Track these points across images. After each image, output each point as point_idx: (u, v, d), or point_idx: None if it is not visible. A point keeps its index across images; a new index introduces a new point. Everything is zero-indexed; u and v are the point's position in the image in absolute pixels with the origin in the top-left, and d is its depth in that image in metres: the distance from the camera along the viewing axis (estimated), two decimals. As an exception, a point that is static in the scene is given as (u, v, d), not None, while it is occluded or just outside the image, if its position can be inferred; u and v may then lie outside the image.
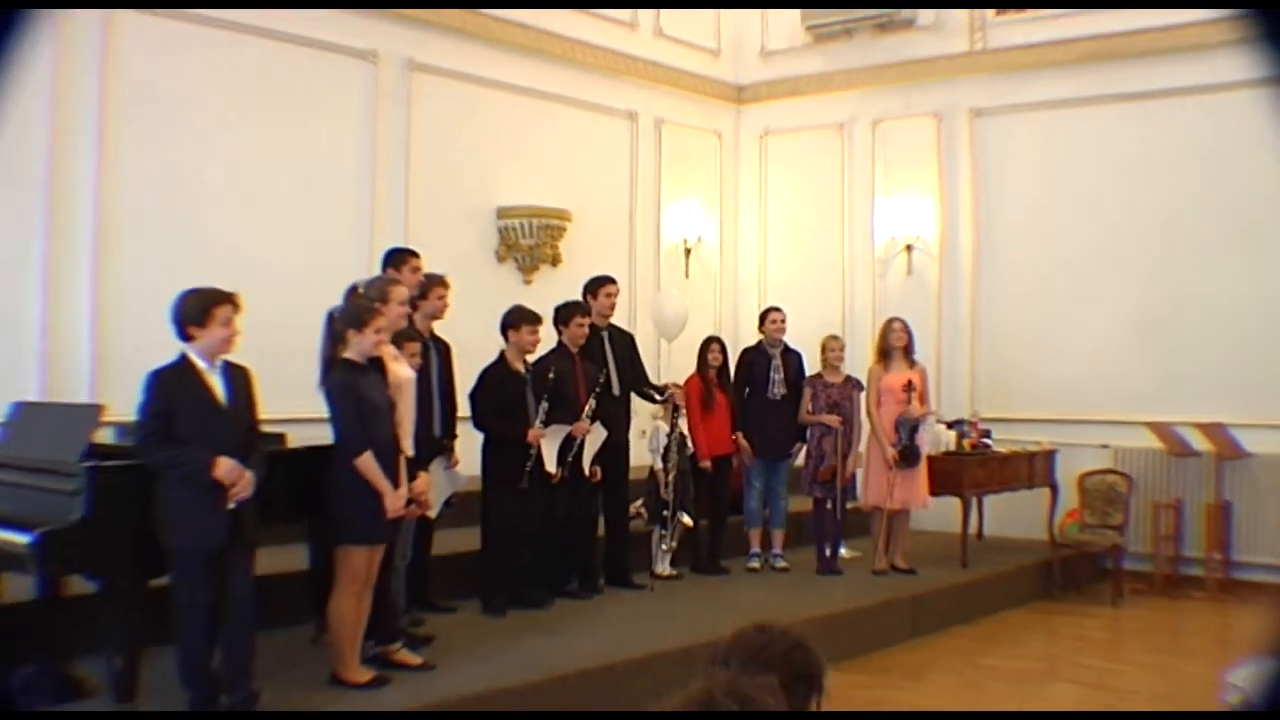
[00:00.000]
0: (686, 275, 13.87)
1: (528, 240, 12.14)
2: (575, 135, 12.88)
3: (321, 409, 6.92)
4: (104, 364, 9.41)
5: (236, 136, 10.23)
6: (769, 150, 14.56)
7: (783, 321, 10.87)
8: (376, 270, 9.90)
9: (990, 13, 13.11)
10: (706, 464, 10.38)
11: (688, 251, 13.96)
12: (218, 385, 6.04)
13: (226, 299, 6.07)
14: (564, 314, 9.33)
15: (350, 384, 6.66)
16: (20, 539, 5.81)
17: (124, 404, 6.97)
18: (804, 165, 14.32)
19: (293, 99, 10.63)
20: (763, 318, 11.02)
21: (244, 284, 6.35)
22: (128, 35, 9.59)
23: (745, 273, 14.65)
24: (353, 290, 7.72)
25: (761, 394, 10.71)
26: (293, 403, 7.38)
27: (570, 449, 9.00)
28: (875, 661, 9.10)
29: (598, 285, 9.94)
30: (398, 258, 8.40)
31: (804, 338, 11.05)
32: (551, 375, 8.80)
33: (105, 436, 6.74)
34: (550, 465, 8.76)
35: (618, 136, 13.39)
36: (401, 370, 7.25)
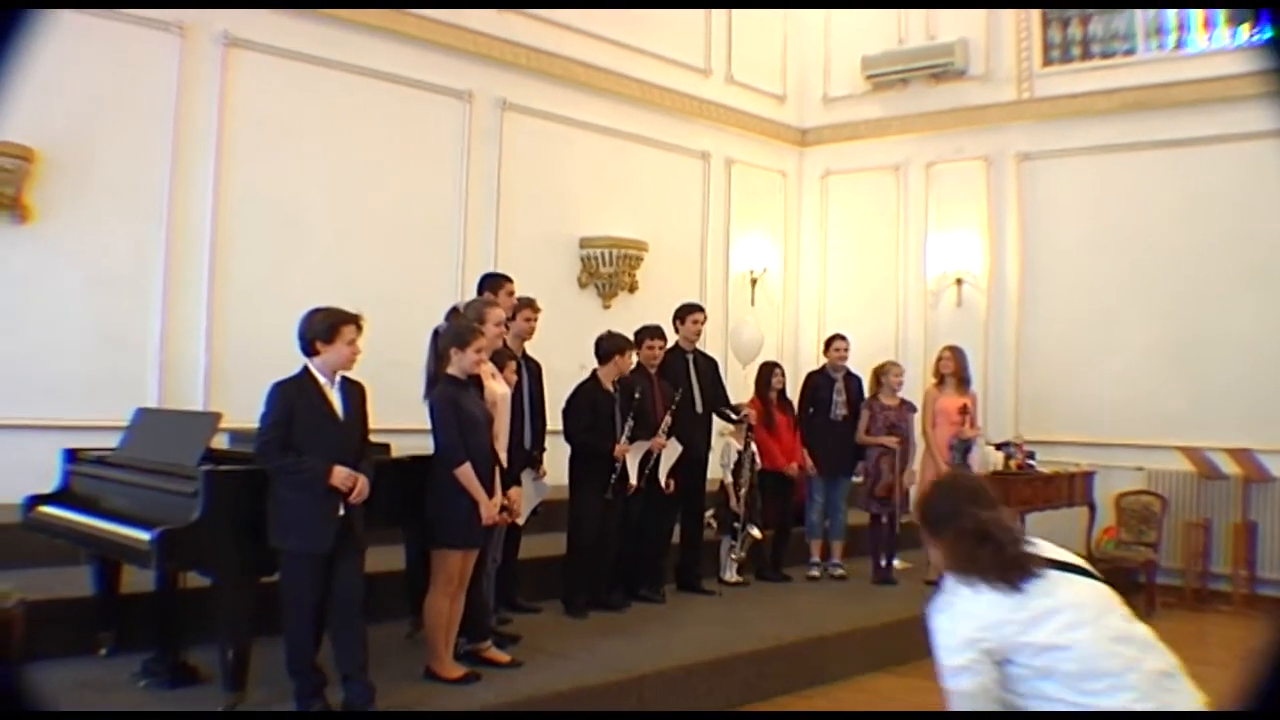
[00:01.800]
0: (752, 303, 13.61)
1: (608, 268, 11.94)
2: (652, 172, 12.70)
3: (415, 420, 6.83)
4: (216, 374, 9.36)
5: (341, 168, 10.16)
6: (829, 189, 14.31)
7: (846, 349, 10.69)
8: (469, 294, 9.78)
9: (1037, 63, 12.83)
10: (792, 467, 10.24)
11: (753, 281, 13.71)
12: (335, 398, 5.84)
13: (353, 319, 5.89)
14: (639, 337, 9.09)
15: (452, 398, 6.48)
16: (142, 536, 5.63)
17: (235, 411, 6.88)
18: (862, 204, 14.07)
19: (394, 134, 10.52)
20: (828, 344, 10.83)
21: (344, 305, 6.13)
22: (243, 69, 9.55)
23: (806, 302, 14.39)
24: (454, 311, 7.53)
25: (824, 414, 10.49)
26: (388, 415, 7.16)
27: (648, 462, 8.78)
28: (929, 667, 8.75)
29: (686, 313, 9.74)
30: (493, 282, 8.19)
31: (860, 363, 10.82)
32: (637, 395, 8.59)
33: (219, 442, 6.54)
34: (632, 479, 8.54)
35: (691, 174, 13.19)
36: (497, 387, 7.05)
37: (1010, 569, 3.43)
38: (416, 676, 6.54)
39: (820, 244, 14.35)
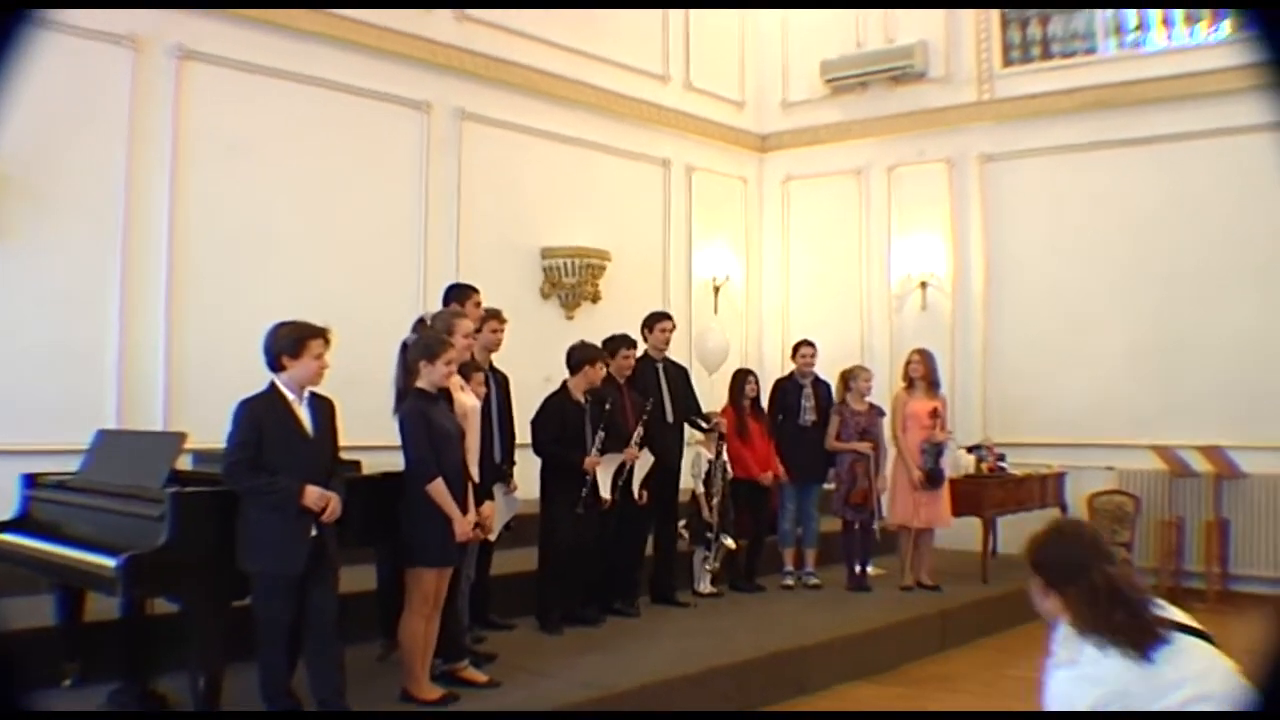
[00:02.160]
0: (715, 311, 13.48)
1: (570, 278, 11.78)
2: (613, 181, 12.55)
3: (380, 436, 6.70)
4: (176, 392, 9.12)
5: (298, 180, 9.94)
6: (791, 195, 14.20)
7: (813, 355, 10.57)
8: (431, 305, 9.61)
9: (998, 64, 12.81)
10: (767, 476, 10.07)
11: (716, 289, 13.58)
12: (304, 415, 5.66)
13: (320, 333, 5.72)
14: (611, 347, 8.91)
15: (422, 412, 6.30)
16: (107, 562, 5.40)
17: (197, 430, 6.64)
18: (824, 208, 13.96)
19: (352, 146, 10.31)
20: (794, 350, 10.71)
21: (302, 317, 5.96)
22: (198, 82, 9.31)
23: (770, 309, 14.26)
24: (420, 322, 7.35)
25: (793, 421, 10.37)
26: (353, 431, 6.97)
27: (621, 474, 8.62)
28: (908, 673, 8.72)
29: (654, 321, 9.60)
30: (460, 293, 7.99)
31: (826, 368, 10.68)
32: (608, 406, 8.43)
33: (183, 463, 6.35)
34: (604, 491, 8.38)
35: (652, 182, 13.04)
36: (467, 399, 6.88)
37: (1145, 635, 3.24)
38: (392, 699, 6.35)
39: (783, 250, 14.23)
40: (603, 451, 8.36)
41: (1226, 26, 11.30)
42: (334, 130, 10.16)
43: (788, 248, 14.21)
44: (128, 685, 6.11)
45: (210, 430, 6.32)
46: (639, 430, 8.71)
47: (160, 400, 9.07)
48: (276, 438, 5.53)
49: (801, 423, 10.35)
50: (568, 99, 11.98)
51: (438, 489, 6.22)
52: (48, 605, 6.53)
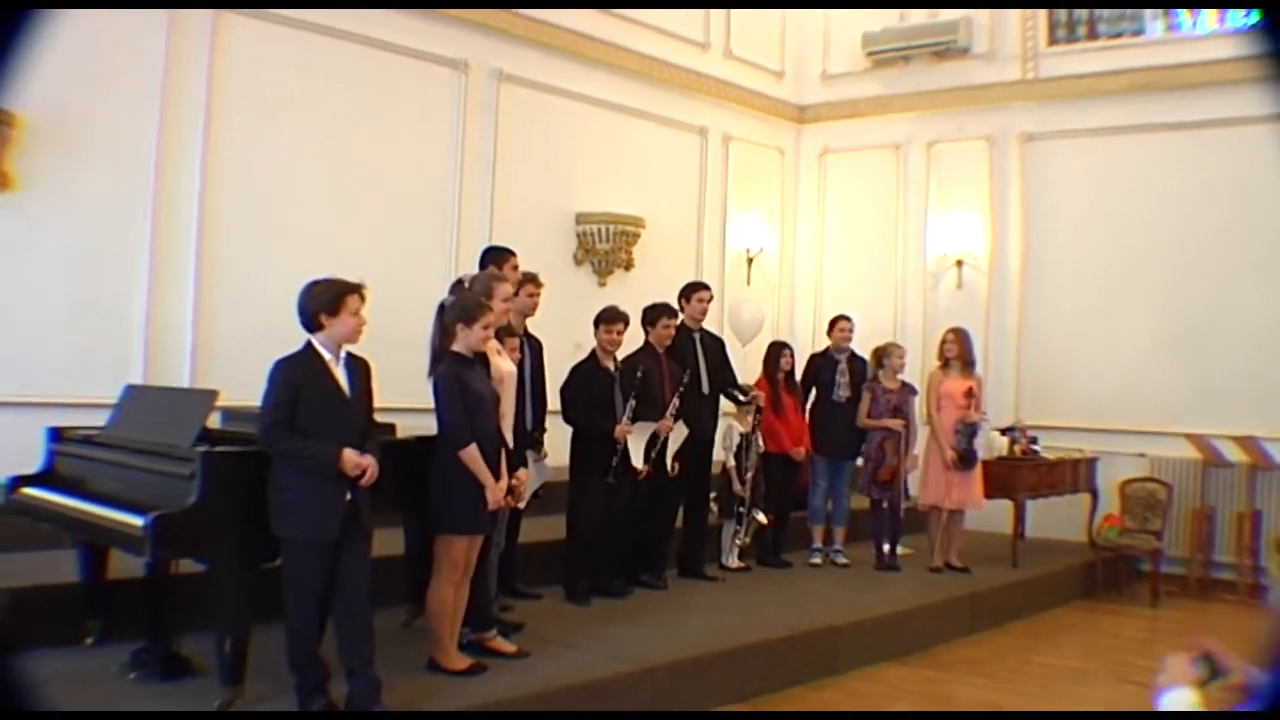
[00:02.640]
0: (748, 283, 13.27)
1: (604, 245, 11.58)
2: (650, 148, 12.33)
3: (410, 398, 6.57)
4: (203, 350, 8.98)
5: (332, 137, 9.77)
6: (828, 168, 13.96)
7: (850, 330, 10.37)
8: (463, 268, 9.46)
9: (1043, 42, 12.52)
10: (798, 451, 9.93)
11: (750, 260, 13.37)
12: (341, 376, 5.44)
13: (356, 289, 5.48)
14: (651, 315, 8.74)
15: (457, 376, 6.12)
16: (135, 521, 5.23)
17: (223, 389, 6.40)
18: (860, 183, 13.73)
19: (387, 103, 10.13)
20: (831, 325, 10.50)
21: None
22: (234, 37, 9.13)
23: (802, 282, 14.05)
24: (458, 284, 7.17)
25: (827, 396, 10.21)
26: (382, 392, 6.83)
27: (655, 445, 8.43)
28: (938, 656, 8.57)
29: (692, 290, 9.39)
30: (498, 255, 7.82)
31: (858, 344, 10.51)
32: (639, 374, 8.24)
33: (211, 421, 6.17)
34: (636, 461, 8.20)
35: (689, 150, 12.82)
36: (504, 364, 6.70)
37: None
38: (419, 668, 6.21)
39: (818, 223, 14.01)
40: (633, 420, 8.19)
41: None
42: (370, 87, 9.97)
43: (823, 221, 13.98)
44: (150, 645, 5.96)
45: (237, 388, 6.20)
46: (675, 402, 8.54)
47: (187, 357, 8.94)
48: (313, 399, 5.33)
49: (835, 399, 10.19)
50: (607, 63, 11.76)
51: (471, 455, 6.05)
52: (69, 561, 6.41)
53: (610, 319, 8.24)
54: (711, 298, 9.45)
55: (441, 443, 6.14)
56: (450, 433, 6.10)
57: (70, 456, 6.33)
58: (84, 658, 6.12)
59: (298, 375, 5.33)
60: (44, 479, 6.35)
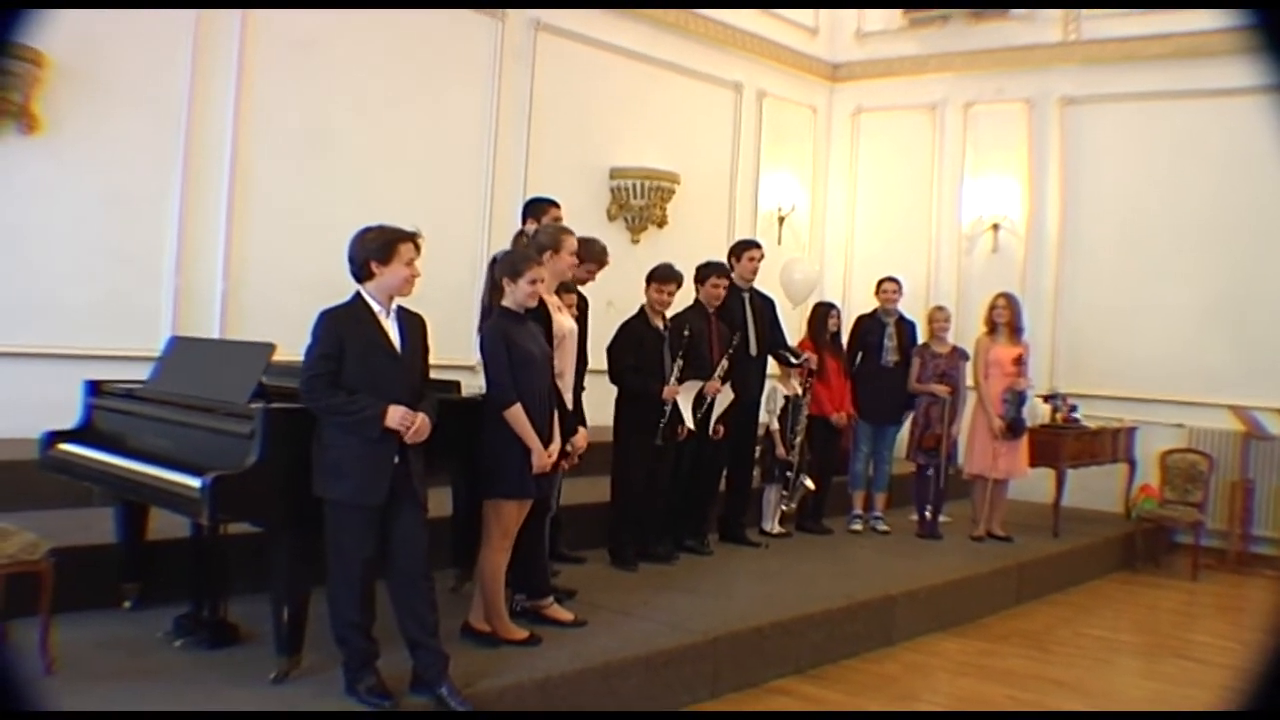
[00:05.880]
0: (779, 242, 12.80)
1: (639, 200, 11.18)
2: (684, 102, 11.91)
3: (444, 354, 6.05)
4: (234, 302, 8.66)
5: (367, 84, 9.41)
6: (861, 127, 13.50)
7: (895, 291, 9.95)
8: (497, 221, 9.24)
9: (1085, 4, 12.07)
10: (840, 416, 9.57)
11: (781, 220, 12.93)
12: (391, 329, 4.98)
13: (410, 237, 5.00)
14: (702, 273, 8.32)
15: (504, 332, 5.70)
16: (190, 482, 4.83)
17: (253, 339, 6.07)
18: (894, 143, 13.27)
19: (423, 51, 9.75)
20: (878, 286, 10.07)
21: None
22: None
23: (833, 243, 13.62)
24: (519, 235, 6.76)
25: (875, 361, 9.81)
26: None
27: (700, 406, 8.05)
28: (989, 627, 8.25)
29: (742, 249, 8.94)
30: (539, 208, 7.40)
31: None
32: (687, 333, 7.84)
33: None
34: (687, 421, 7.82)
35: (723, 106, 12.39)
36: (565, 321, 6.31)
37: None
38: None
39: (849, 183, 13.56)
40: (681, 380, 7.81)
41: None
42: (405, 34, 9.58)
43: (855, 181, 13.53)
44: (195, 610, 5.59)
45: (267, 339, 5.78)
46: (724, 363, 8.16)
47: (217, 308, 8.61)
48: (359, 352, 4.88)
49: (884, 363, 9.81)
50: (642, 14, 11.32)
51: (515, 414, 5.63)
52: (100, 520, 6.09)
53: (664, 278, 7.82)
54: (763, 256, 8.98)
55: (487, 403, 5.73)
56: (494, 392, 5.69)
57: (110, 411, 5.91)
58: (123, 622, 5.77)
59: (343, 327, 4.89)
60: (81, 435, 5.94)
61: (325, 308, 4.98)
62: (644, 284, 7.93)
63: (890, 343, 9.79)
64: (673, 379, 7.76)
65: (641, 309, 7.93)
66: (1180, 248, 11.47)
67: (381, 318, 4.97)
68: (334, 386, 4.83)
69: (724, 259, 8.75)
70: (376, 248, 4.94)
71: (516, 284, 5.76)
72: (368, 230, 5.03)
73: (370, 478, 4.86)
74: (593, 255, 7.11)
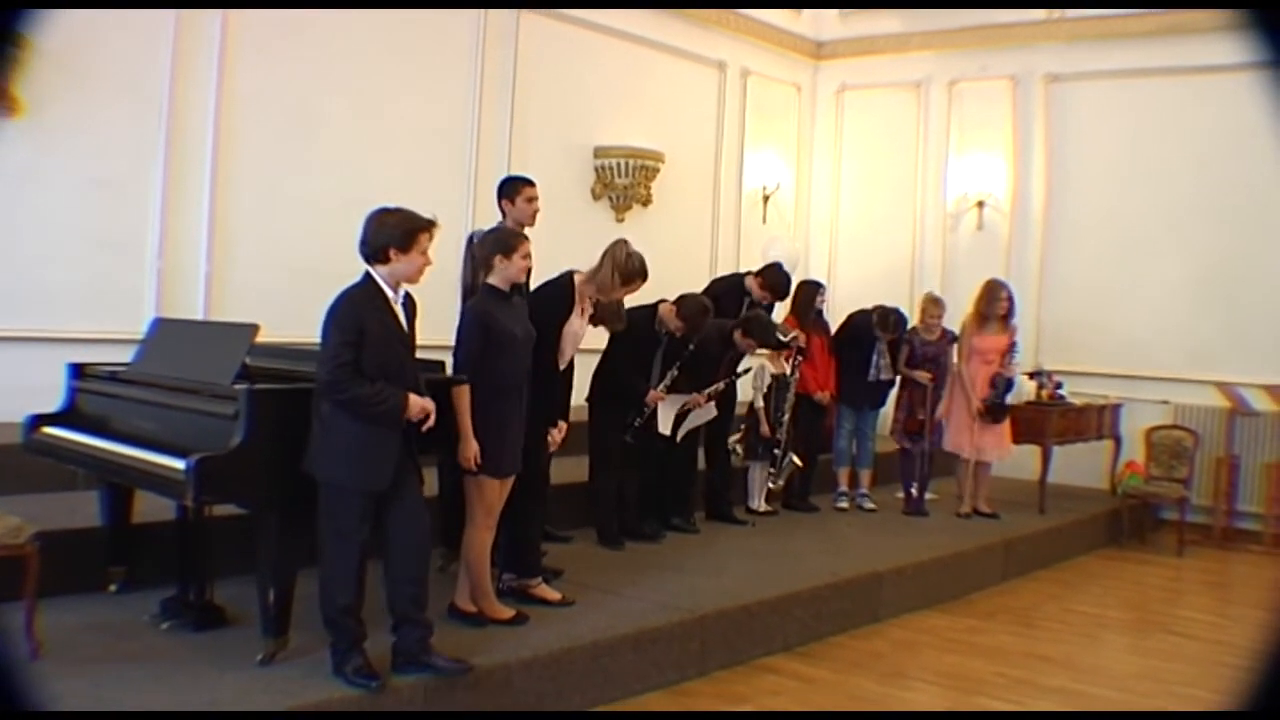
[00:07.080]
0: (764, 220, 12.79)
1: (623, 180, 11.12)
2: (668, 81, 11.84)
3: (428, 336, 5.96)
4: (218, 284, 8.58)
5: (350, 65, 9.34)
6: (845, 105, 13.43)
7: (939, 317, 9.83)
8: (481, 201, 9.35)
9: (1069, -20, 12.04)
10: (825, 395, 9.55)
11: (766, 198, 12.89)
12: (402, 315, 4.92)
13: (429, 225, 4.91)
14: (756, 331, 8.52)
15: (485, 312, 5.66)
16: (175, 464, 4.80)
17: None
18: (879, 121, 13.22)
19: (405, 30, 9.66)
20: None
21: (350, 207, 5.42)
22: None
23: (818, 221, 13.55)
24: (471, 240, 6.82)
25: (861, 368, 9.71)
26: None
27: (684, 419, 8.16)
28: (976, 604, 8.27)
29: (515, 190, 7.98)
30: (513, 186, 7.26)
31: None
32: (691, 348, 7.88)
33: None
34: (664, 428, 7.90)
35: (707, 85, 12.32)
36: (576, 323, 6.40)
37: None
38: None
39: (834, 161, 13.49)
40: (671, 389, 7.88)
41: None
42: (388, 14, 9.49)
43: (839, 159, 13.47)
44: (181, 593, 5.57)
45: (251, 320, 5.74)
46: (719, 385, 8.30)
47: (201, 290, 8.54)
48: (378, 339, 4.79)
49: (869, 378, 9.71)
50: (626, -6, 11.26)
51: (460, 394, 5.49)
52: (85, 503, 6.07)
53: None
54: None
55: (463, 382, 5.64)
56: (460, 369, 5.64)
57: (93, 394, 5.87)
58: (109, 606, 5.74)
59: (363, 311, 4.80)
60: (65, 418, 5.90)
61: (344, 290, 4.89)
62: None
63: (882, 360, 9.66)
64: (661, 386, 7.82)
65: (649, 310, 7.85)
66: (1165, 224, 11.46)
67: (393, 303, 4.91)
68: (359, 375, 4.74)
69: (738, 267, 8.79)
70: (400, 235, 4.84)
71: (510, 260, 5.73)
72: (387, 213, 4.93)
73: (378, 463, 4.83)
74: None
